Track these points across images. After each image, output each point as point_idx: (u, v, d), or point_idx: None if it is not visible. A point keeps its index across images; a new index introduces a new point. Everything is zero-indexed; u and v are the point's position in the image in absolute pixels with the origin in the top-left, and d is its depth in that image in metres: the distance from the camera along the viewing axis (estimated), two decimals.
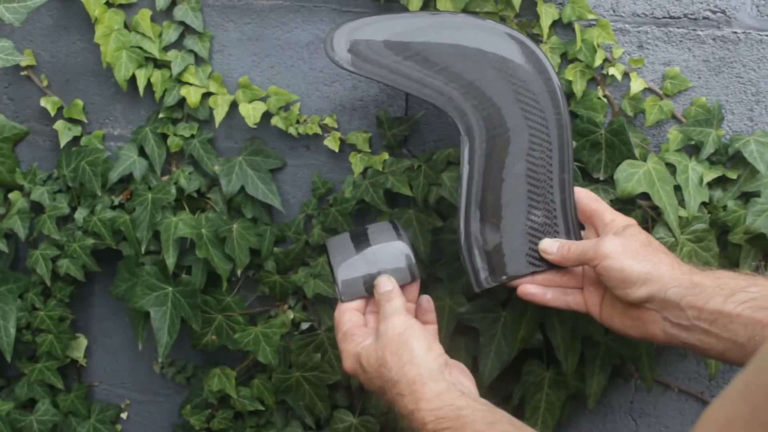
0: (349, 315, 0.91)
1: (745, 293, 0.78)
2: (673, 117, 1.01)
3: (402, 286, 0.90)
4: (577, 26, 1.00)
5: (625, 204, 1.00)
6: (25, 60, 1.18)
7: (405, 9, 1.03)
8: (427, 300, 0.94)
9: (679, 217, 0.97)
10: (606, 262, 0.85)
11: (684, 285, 0.82)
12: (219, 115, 1.11)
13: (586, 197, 0.93)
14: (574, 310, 0.93)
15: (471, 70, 0.92)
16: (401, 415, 0.82)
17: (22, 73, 1.20)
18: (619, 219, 0.90)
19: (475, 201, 0.92)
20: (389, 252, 0.92)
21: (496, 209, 0.92)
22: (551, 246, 0.91)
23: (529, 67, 0.92)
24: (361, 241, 0.94)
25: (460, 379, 0.84)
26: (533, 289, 0.92)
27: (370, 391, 0.89)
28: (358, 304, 0.92)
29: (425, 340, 0.84)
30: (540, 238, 0.92)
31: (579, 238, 0.93)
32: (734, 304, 0.78)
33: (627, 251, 0.85)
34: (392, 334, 0.84)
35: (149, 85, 1.13)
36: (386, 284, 0.90)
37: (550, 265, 0.92)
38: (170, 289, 1.15)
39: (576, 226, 0.93)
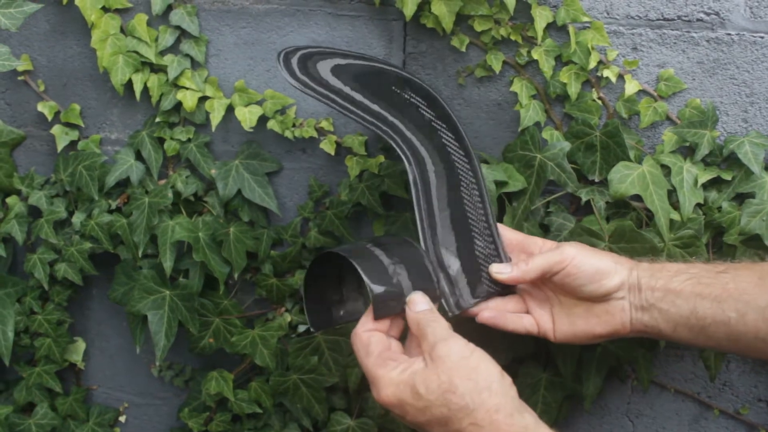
0: (378, 336, 0.82)
1: (686, 274, 0.88)
2: (668, 119, 1.01)
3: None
4: (571, 29, 1.00)
5: (618, 206, 1.01)
6: (22, 65, 1.18)
7: (400, 13, 1.03)
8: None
9: (671, 220, 0.97)
10: (576, 260, 0.88)
11: (642, 268, 0.89)
12: (215, 119, 1.12)
13: (509, 231, 0.96)
14: (529, 333, 0.93)
15: (404, 109, 0.96)
16: None
17: (19, 78, 1.20)
18: (549, 242, 0.94)
19: (438, 227, 0.93)
20: (417, 267, 0.86)
21: (449, 236, 0.93)
22: (504, 267, 0.92)
23: (445, 112, 0.98)
24: (385, 253, 0.86)
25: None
26: (491, 313, 0.92)
27: (417, 425, 0.79)
28: (385, 324, 0.84)
29: (496, 366, 0.78)
30: (488, 263, 0.93)
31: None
32: (678, 282, 0.87)
33: (587, 251, 0.90)
34: (457, 357, 0.77)
35: (146, 90, 1.13)
36: (421, 302, 0.83)
37: (504, 288, 0.93)
38: (167, 292, 1.15)
39: (508, 257, 0.95)
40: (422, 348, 0.80)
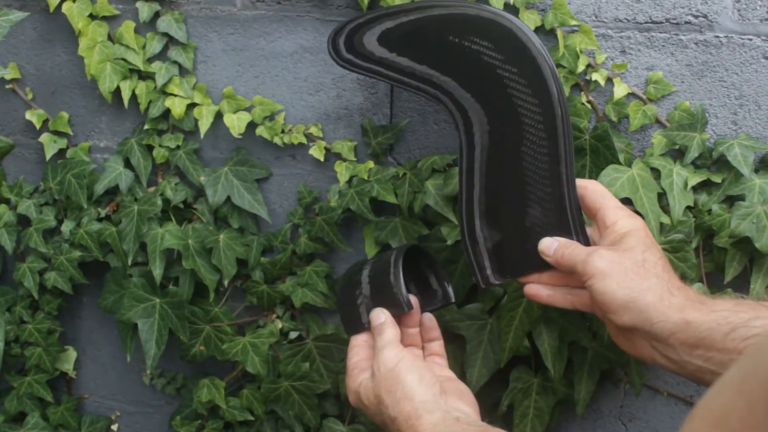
0: (356, 349, 0.91)
1: (747, 329, 0.72)
2: (657, 121, 1.01)
3: (400, 317, 0.90)
4: (559, 32, 1.00)
5: None
6: (10, 73, 1.18)
7: None
8: (429, 318, 0.93)
9: (661, 223, 0.97)
10: (590, 281, 0.81)
11: (672, 320, 0.77)
12: (204, 125, 1.11)
13: (592, 191, 0.87)
14: (579, 310, 0.89)
15: (460, 61, 0.90)
16: None
17: (7, 87, 1.20)
18: (621, 222, 0.84)
19: (475, 197, 0.90)
20: (384, 285, 0.90)
21: (495, 205, 0.90)
22: (549, 247, 0.87)
23: (519, 55, 0.88)
24: (361, 276, 0.93)
25: (457, 405, 0.83)
26: (537, 289, 0.89)
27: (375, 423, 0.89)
28: (367, 337, 0.91)
29: (417, 371, 0.83)
30: (542, 235, 0.88)
31: (584, 235, 0.87)
32: (736, 341, 0.72)
33: (615, 272, 0.79)
34: (384, 369, 0.84)
35: (134, 97, 1.13)
36: (379, 317, 0.89)
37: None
38: (157, 300, 1.15)
39: (579, 222, 0.87)
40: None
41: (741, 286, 0.99)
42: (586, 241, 0.87)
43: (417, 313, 0.91)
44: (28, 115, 1.19)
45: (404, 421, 0.81)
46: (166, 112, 1.13)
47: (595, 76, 1.00)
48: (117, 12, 1.12)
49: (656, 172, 0.99)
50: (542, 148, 0.87)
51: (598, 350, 1.04)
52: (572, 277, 0.86)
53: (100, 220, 1.17)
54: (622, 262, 0.80)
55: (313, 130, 1.11)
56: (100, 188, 1.15)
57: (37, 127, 1.19)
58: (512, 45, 0.88)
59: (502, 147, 0.89)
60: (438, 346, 0.92)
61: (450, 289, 0.94)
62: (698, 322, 0.75)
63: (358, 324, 0.91)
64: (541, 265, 0.88)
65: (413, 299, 0.90)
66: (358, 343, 0.91)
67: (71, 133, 1.20)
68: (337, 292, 0.96)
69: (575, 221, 0.87)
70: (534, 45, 0.88)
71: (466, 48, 0.90)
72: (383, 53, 0.93)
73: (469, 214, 0.91)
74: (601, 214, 0.85)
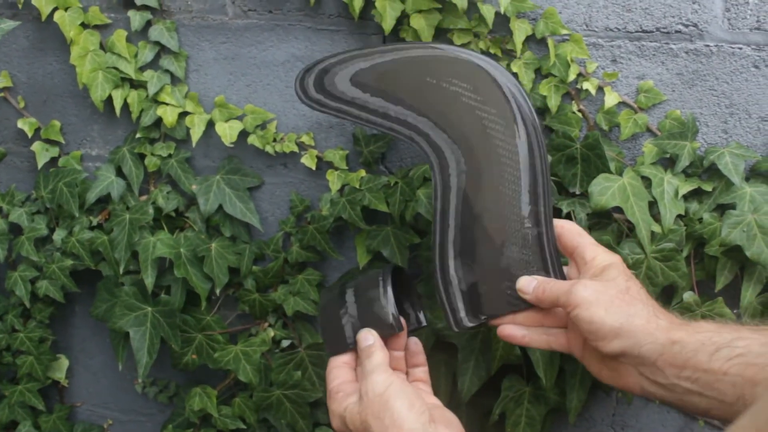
0: (336, 371, 0.87)
1: (730, 349, 0.73)
2: (648, 130, 1.01)
3: (387, 338, 0.87)
4: (550, 41, 1.00)
5: (599, 217, 1.00)
6: (2, 82, 1.18)
7: (378, 27, 1.03)
8: (414, 342, 0.90)
9: (652, 232, 0.97)
10: (576, 311, 0.80)
11: (660, 342, 0.77)
12: (196, 134, 1.11)
13: (568, 231, 0.87)
14: (556, 350, 0.88)
15: (438, 102, 0.90)
16: None
17: None
18: (600, 257, 0.84)
19: (449, 238, 0.89)
20: (372, 305, 0.87)
21: (470, 246, 0.88)
22: (528, 285, 0.86)
23: (497, 94, 0.89)
24: (345, 294, 0.90)
25: None
26: (512, 329, 0.87)
27: None
28: (348, 358, 0.87)
29: (407, 398, 0.80)
30: (518, 275, 0.87)
31: (560, 274, 0.87)
32: (720, 361, 0.72)
33: (600, 300, 0.79)
34: (372, 394, 0.81)
35: (126, 106, 1.13)
36: (367, 338, 0.85)
37: (530, 304, 0.87)
38: (149, 309, 1.14)
39: (557, 261, 0.87)
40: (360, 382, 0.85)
41: (732, 294, 0.99)
42: (564, 279, 0.87)
43: (404, 336, 0.88)
44: (20, 124, 1.19)
45: None
46: (158, 121, 1.13)
47: (586, 85, 1.01)
48: (109, 21, 1.12)
49: (647, 181, 0.99)
50: (517, 188, 0.87)
51: None
52: (548, 316, 0.87)
53: (91, 228, 1.17)
54: (607, 291, 0.80)
55: (304, 138, 1.11)
56: (91, 197, 1.15)
57: (29, 135, 1.19)
58: (488, 87, 0.89)
59: (479, 187, 0.88)
60: (423, 372, 0.89)
61: (422, 315, 0.92)
62: (684, 341, 0.75)
63: (343, 344, 0.87)
64: (517, 304, 0.87)
65: (402, 321, 0.87)
66: (339, 364, 0.87)
67: (63, 142, 1.20)
68: (318, 310, 0.91)
69: (553, 260, 0.87)
70: (505, 89, 0.88)
71: (444, 89, 0.90)
72: (356, 93, 0.92)
73: (442, 255, 0.89)
74: (580, 250, 0.85)
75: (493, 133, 0.88)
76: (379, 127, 0.91)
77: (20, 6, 1.14)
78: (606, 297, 0.79)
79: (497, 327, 0.88)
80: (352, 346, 0.87)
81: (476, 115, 0.89)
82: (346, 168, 1.10)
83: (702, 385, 0.73)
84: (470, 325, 0.88)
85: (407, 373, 0.89)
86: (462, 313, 0.88)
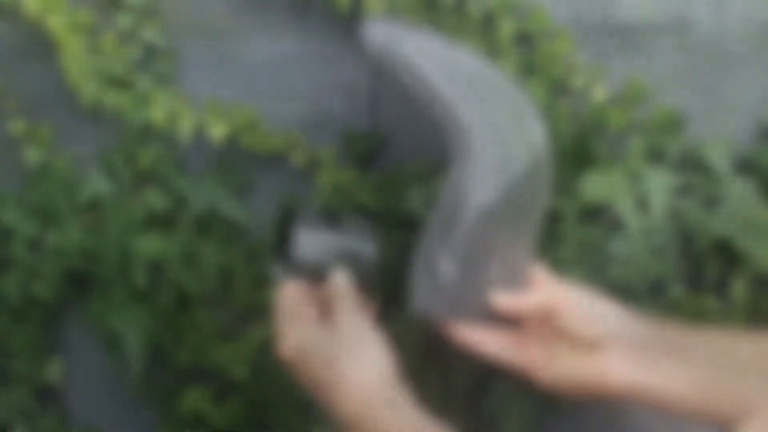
0: (294, 293, 0.85)
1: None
2: (636, 125, 1.02)
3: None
4: (537, 38, 1.00)
5: (588, 212, 1.01)
6: None
7: None
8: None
9: (641, 226, 0.98)
10: (555, 296, 0.82)
11: (648, 321, 0.81)
12: (186, 134, 1.11)
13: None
14: (510, 371, 0.88)
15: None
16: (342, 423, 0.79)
17: None
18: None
19: (440, 237, 0.85)
20: (356, 245, 0.86)
21: (459, 249, 0.85)
22: (502, 296, 0.85)
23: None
24: (332, 224, 0.88)
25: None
26: (471, 337, 0.86)
27: (303, 383, 0.85)
28: (306, 286, 0.86)
29: (380, 346, 0.80)
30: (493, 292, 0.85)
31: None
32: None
33: (580, 290, 0.83)
34: (347, 330, 0.80)
35: (115, 107, 1.13)
36: (341, 277, 0.84)
37: (497, 321, 0.86)
38: (142, 309, 1.15)
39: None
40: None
41: (721, 288, 0.99)
42: None
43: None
44: (8, 126, 1.19)
45: (356, 390, 0.79)
46: (148, 122, 1.13)
47: (574, 81, 1.01)
48: (97, 22, 1.12)
49: (636, 176, 1.00)
50: None
51: None
52: (519, 334, 0.86)
53: (83, 229, 1.17)
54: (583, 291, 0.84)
55: (295, 137, 1.11)
56: (82, 198, 1.15)
57: (19, 137, 1.19)
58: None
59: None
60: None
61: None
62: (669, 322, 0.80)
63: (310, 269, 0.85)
64: (488, 317, 0.86)
65: None
66: (295, 289, 0.85)
67: (53, 144, 1.20)
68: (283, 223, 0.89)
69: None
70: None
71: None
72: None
73: (430, 244, 0.86)
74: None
75: None
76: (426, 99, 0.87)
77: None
78: (585, 292, 0.83)
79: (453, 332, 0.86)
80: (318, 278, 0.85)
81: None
82: (337, 166, 1.10)
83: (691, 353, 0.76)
84: (428, 314, 0.86)
85: None
86: (425, 299, 0.86)
